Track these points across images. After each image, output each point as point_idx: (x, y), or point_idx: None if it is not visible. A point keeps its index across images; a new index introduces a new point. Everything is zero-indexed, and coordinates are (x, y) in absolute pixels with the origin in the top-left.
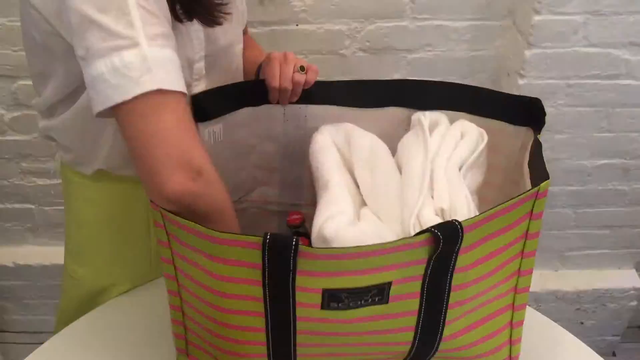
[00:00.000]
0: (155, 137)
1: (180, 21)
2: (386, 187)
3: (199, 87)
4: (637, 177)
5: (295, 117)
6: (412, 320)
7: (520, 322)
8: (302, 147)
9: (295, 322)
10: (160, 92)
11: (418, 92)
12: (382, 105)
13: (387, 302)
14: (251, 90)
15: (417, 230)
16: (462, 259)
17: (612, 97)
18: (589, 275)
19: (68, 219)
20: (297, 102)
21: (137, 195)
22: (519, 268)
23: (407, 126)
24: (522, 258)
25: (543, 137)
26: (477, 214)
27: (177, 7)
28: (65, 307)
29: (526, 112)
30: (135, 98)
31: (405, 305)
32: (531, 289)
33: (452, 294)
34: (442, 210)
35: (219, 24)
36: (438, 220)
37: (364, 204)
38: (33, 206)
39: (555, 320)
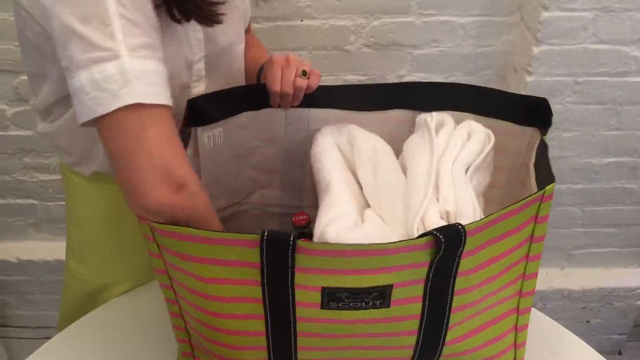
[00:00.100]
0: (136, 150)
1: (179, 22)
2: (390, 188)
3: (199, 88)
4: None
5: (297, 120)
6: (414, 324)
7: (525, 326)
8: (303, 149)
9: (296, 323)
10: (140, 105)
11: (422, 93)
12: (385, 108)
13: (389, 305)
14: (252, 95)
15: (421, 232)
16: (465, 263)
17: (621, 95)
18: (595, 273)
19: (68, 216)
20: (299, 106)
21: None
22: (524, 272)
23: (411, 127)
24: (527, 261)
25: (551, 134)
26: (483, 217)
27: (174, 8)
28: (66, 304)
29: (533, 112)
30: (115, 111)
31: (408, 309)
32: (537, 288)
33: (455, 298)
34: (447, 213)
35: (218, 22)
36: (442, 223)
37: (367, 205)
38: (36, 201)
39: (560, 319)
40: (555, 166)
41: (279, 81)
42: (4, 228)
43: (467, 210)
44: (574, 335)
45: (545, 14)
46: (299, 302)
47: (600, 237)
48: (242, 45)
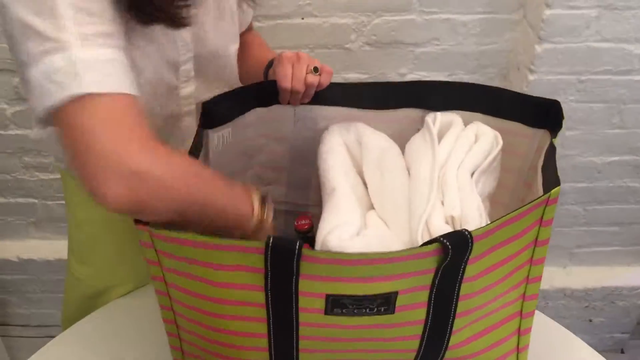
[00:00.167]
0: (88, 146)
1: (145, 25)
2: (395, 191)
3: (188, 88)
4: None
5: (306, 118)
6: (418, 329)
7: (528, 329)
8: (311, 147)
9: (298, 327)
10: (90, 96)
11: (431, 92)
12: (395, 107)
13: (393, 312)
14: (261, 92)
15: (426, 239)
16: (471, 269)
17: (624, 93)
18: (598, 272)
19: (68, 218)
20: (309, 103)
21: None
22: (528, 275)
23: (420, 126)
24: (530, 265)
25: None
26: (489, 222)
27: (132, 11)
28: (68, 304)
29: (543, 114)
30: (66, 105)
31: (412, 314)
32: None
33: (459, 303)
34: (453, 218)
35: (185, 25)
36: (448, 228)
37: (371, 207)
38: (36, 200)
39: (563, 318)
40: (558, 165)
41: (290, 78)
42: (5, 227)
43: (473, 215)
44: (574, 336)
45: (548, 12)
46: (303, 308)
47: (603, 235)
48: (236, 45)
